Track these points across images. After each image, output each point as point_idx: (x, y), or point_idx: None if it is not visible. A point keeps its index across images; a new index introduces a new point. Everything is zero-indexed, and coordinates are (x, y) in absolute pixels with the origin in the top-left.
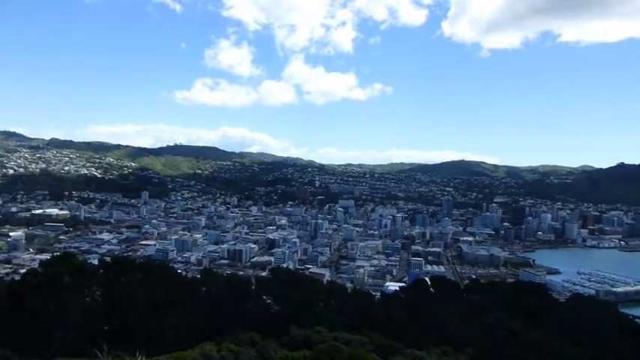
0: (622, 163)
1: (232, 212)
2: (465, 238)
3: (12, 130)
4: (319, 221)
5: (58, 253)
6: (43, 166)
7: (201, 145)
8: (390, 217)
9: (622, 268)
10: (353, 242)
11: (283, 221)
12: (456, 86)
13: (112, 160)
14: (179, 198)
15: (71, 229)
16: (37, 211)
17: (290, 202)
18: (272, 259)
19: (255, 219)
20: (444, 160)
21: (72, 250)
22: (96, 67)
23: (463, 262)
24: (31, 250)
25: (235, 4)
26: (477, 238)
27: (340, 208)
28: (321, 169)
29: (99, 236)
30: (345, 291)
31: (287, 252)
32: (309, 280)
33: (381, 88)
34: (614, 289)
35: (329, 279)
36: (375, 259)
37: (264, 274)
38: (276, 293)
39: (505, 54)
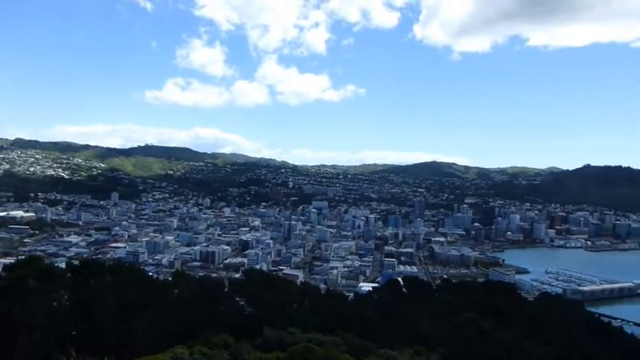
0: (588, 164)
1: (205, 214)
2: (436, 239)
3: None
4: (293, 222)
5: (23, 257)
6: (7, 166)
7: (172, 145)
8: (364, 218)
9: (588, 268)
10: (326, 243)
11: (256, 222)
12: (428, 88)
13: (80, 160)
14: (150, 199)
15: (37, 231)
16: (1, 214)
17: (263, 204)
18: (245, 260)
19: (228, 220)
20: (416, 162)
21: (38, 253)
22: (63, 66)
23: (435, 262)
24: None
25: (207, 4)
26: (448, 238)
27: (314, 209)
28: (295, 170)
29: (66, 239)
30: (319, 292)
31: (260, 253)
32: (283, 282)
33: (354, 89)
34: (580, 288)
35: (302, 280)
36: (348, 259)
37: (237, 275)
38: (249, 295)
39: (475, 57)
